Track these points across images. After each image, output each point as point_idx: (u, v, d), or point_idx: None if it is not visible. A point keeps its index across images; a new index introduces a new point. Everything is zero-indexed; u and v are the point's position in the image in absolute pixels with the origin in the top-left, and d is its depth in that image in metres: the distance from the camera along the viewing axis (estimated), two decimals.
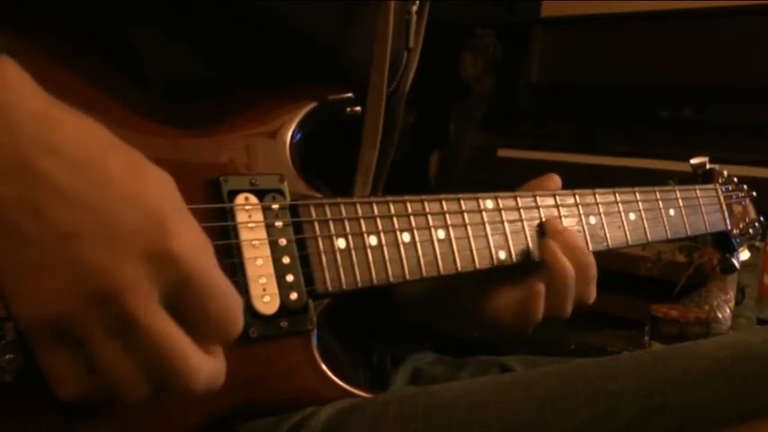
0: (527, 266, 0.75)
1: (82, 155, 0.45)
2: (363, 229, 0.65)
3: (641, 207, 0.86)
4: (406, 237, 0.67)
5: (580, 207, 0.80)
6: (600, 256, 0.80)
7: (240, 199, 0.61)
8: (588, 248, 0.78)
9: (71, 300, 0.44)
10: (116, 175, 0.46)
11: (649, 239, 0.86)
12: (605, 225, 0.81)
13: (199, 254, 0.47)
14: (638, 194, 0.86)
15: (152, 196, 0.46)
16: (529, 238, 0.75)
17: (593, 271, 0.76)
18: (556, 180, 0.81)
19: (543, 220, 0.77)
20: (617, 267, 1.75)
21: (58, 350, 0.46)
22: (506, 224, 0.74)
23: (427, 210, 0.69)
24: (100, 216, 0.44)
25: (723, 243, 1.03)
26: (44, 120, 0.44)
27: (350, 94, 0.71)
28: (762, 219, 1.09)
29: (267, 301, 0.60)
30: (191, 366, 0.47)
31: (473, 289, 0.77)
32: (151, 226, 0.45)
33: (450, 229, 0.70)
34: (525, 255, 0.75)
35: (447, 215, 0.70)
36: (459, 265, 0.70)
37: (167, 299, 0.46)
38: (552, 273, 0.73)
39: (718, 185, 1.01)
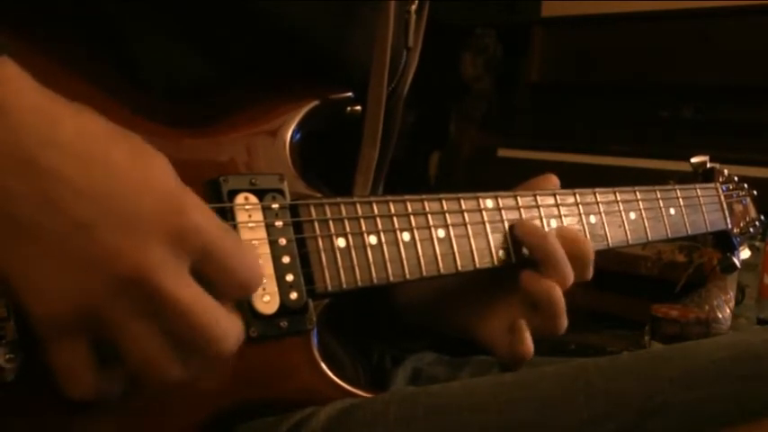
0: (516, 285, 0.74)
1: (84, 148, 0.45)
2: (363, 228, 0.65)
3: (642, 206, 0.86)
4: (406, 236, 0.67)
5: (580, 206, 0.80)
6: (600, 255, 0.80)
7: (240, 199, 0.61)
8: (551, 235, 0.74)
9: (97, 288, 0.44)
10: (120, 164, 0.46)
11: (650, 238, 0.86)
12: (606, 224, 0.81)
13: (214, 221, 0.49)
14: (638, 193, 0.86)
15: (159, 178, 0.47)
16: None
17: (555, 253, 0.72)
18: (554, 180, 0.81)
19: (544, 223, 0.76)
20: (617, 267, 1.75)
21: (71, 346, 0.46)
22: (506, 223, 0.74)
23: (427, 209, 0.69)
24: (113, 203, 0.45)
25: (723, 242, 1.03)
26: (44, 115, 0.45)
27: (350, 94, 0.71)
28: (762, 218, 1.09)
29: (267, 300, 0.60)
30: (223, 329, 0.48)
31: (467, 309, 0.77)
32: (166, 206, 0.46)
33: (451, 228, 0.70)
34: (525, 254, 0.75)
35: (447, 214, 0.70)
36: (459, 264, 0.70)
37: (195, 269, 0.47)
38: (536, 299, 0.72)
39: (718, 184, 1.01)
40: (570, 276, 0.72)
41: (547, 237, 0.73)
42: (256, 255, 0.53)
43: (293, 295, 0.61)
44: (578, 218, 0.79)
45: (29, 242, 0.43)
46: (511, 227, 0.74)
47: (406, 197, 0.68)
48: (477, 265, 0.71)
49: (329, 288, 0.62)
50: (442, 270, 0.69)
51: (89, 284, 0.44)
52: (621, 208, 0.83)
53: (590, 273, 0.75)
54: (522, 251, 0.74)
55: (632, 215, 0.84)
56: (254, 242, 0.60)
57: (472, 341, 0.79)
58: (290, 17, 0.68)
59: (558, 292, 0.71)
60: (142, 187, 0.46)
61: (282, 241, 0.61)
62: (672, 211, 0.90)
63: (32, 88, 0.45)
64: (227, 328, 0.49)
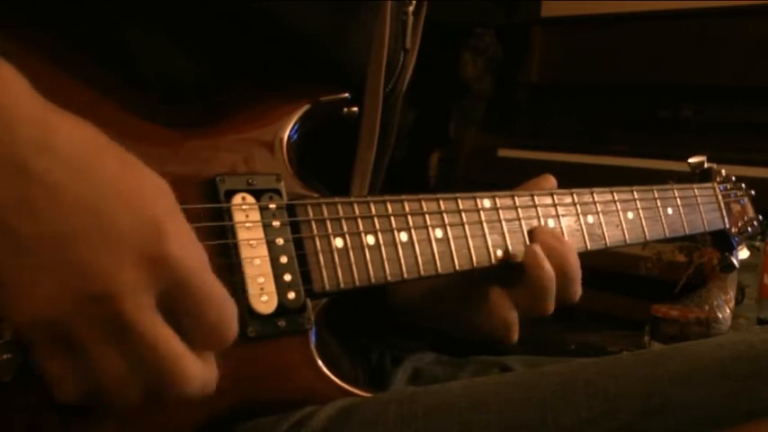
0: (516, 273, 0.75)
1: (78, 157, 0.45)
2: (361, 228, 0.65)
3: (639, 206, 0.86)
4: (403, 236, 0.67)
5: (578, 206, 0.80)
6: (600, 255, 0.80)
7: (237, 199, 0.61)
8: (571, 249, 0.77)
9: (66, 302, 0.44)
10: (112, 178, 0.46)
11: (647, 238, 0.86)
12: (603, 224, 0.81)
13: (194, 258, 0.48)
14: (635, 193, 0.86)
15: (147, 199, 0.47)
16: (526, 237, 0.75)
17: (574, 272, 0.75)
18: (551, 181, 0.81)
19: (542, 223, 0.77)
20: (617, 267, 1.75)
21: (55, 352, 0.46)
22: (504, 223, 0.74)
23: (425, 209, 0.69)
24: (96, 219, 0.45)
25: (722, 242, 1.03)
26: (40, 123, 0.44)
27: (346, 95, 0.71)
28: (761, 217, 1.09)
29: (265, 300, 0.60)
30: (184, 372, 0.47)
31: (463, 300, 0.77)
32: (147, 230, 0.46)
33: (448, 228, 0.70)
34: (523, 253, 0.75)
35: (444, 214, 0.70)
36: (456, 264, 0.70)
37: (162, 303, 0.46)
38: (532, 277, 0.73)
39: (716, 184, 1.01)
40: (549, 309, 0.74)
41: (546, 271, 0.73)
42: (235, 311, 0.50)
43: (291, 295, 0.61)
44: (576, 217, 0.79)
45: (11, 248, 0.43)
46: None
47: (404, 197, 0.68)
48: (475, 265, 0.71)
49: (327, 288, 0.62)
50: (439, 270, 0.69)
51: (60, 297, 0.44)
52: (619, 208, 0.83)
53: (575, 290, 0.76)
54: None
55: (630, 215, 0.84)
56: (251, 242, 0.60)
57: (471, 331, 0.79)
58: (287, 18, 0.68)
59: (551, 276, 0.73)
60: (128, 206, 0.46)
61: (280, 241, 0.61)
62: (669, 210, 0.90)
63: (29, 93, 0.45)
64: (189, 372, 0.47)
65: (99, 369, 0.46)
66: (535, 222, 0.76)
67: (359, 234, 0.65)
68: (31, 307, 0.44)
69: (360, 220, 0.65)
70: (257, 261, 0.60)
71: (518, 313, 0.75)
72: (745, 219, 1.04)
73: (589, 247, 0.80)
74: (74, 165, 0.45)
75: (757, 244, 1.41)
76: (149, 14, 0.64)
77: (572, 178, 0.83)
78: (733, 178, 1.06)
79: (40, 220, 0.43)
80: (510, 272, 0.74)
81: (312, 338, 0.63)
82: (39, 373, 0.47)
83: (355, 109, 0.72)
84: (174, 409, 0.57)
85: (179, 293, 0.47)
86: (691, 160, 1.04)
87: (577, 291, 0.76)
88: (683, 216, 0.92)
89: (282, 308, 0.61)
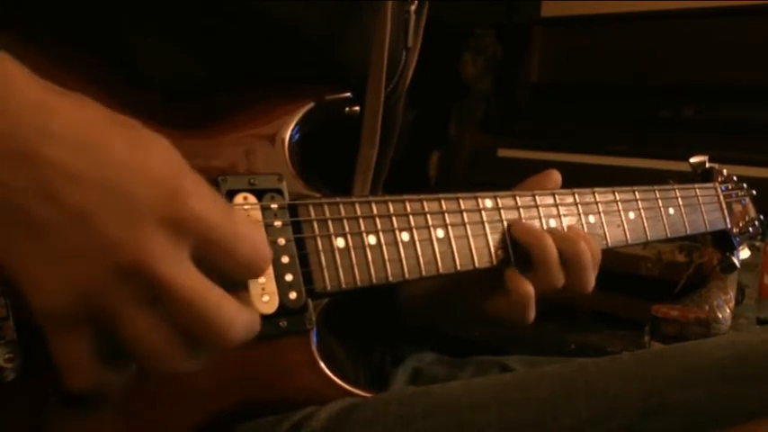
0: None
1: (84, 136, 0.45)
2: (362, 228, 0.65)
3: (641, 206, 0.86)
4: (405, 236, 0.67)
5: (579, 206, 0.80)
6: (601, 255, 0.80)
7: (239, 198, 0.61)
8: (580, 235, 0.76)
9: (98, 278, 0.44)
10: (120, 151, 0.46)
11: (649, 238, 0.86)
12: (605, 224, 0.81)
13: (215, 206, 0.48)
14: (637, 193, 0.86)
15: (158, 164, 0.47)
16: None
17: (586, 257, 0.75)
18: (555, 176, 0.81)
19: (543, 223, 0.77)
20: (617, 267, 1.75)
21: (73, 337, 0.46)
22: (506, 223, 0.74)
23: (426, 209, 0.69)
24: (112, 192, 0.44)
25: (723, 242, 1.03)
26: (42, 107, 0.44)
27: (348, 94, 0.71)
28: (762, 218, 1.09)
29: (266, 300, 0.60)
30: (228, 317, 0.47)
31: (473, 287, 0.77)
32: (164, 192, 0.46)
33: (450, 228, 0.70)
34: (525, 254, 0.75)
35: (446, 214, 0.70)
36: (458, 264, 0.70)
37: (196, 255, 0.46)
38: (531, 251, 0.73)
39: (717, 184, 1.01)
40: (558, 280, 0.74)
41: (543, 237, 0.73)
42: (262, 235, 0.51)
43: (292, 295, 0.61)
44: (577, 217, 0.79)
45: (29, 234, 0.43)
46: (508, 226, 0.74)
47: (405, 197, 0.68)
48: (477, 265, 0.71)
49: (328, 288, 0.62)
50: (441, 270, 0.69)
51: (89, 275, 0.44)
52: (620, 208, 0.83)
53: (586, 277, 0.75)
54: (521, 251, 0.74)
55: (631, 215, 0.84)
56: None
57: (475, 320, 0.79)
58: (288, 17, 0.68)
59: (530, 291, 0.73)
60: (140, 174, 0.45)
61: (281, 241, 0.61)
62: (671, 210, 0.90)
63: (29, 80, 0.45)
64: (234, 316, 0.47)
65: (140, 338, 0.46)
66: (537, 223, 0.76)
67: (360, 234, 0.65)
68: (59, 290, 0.44)
69: (361, 220, 0.65)
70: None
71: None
72: (747, 219, 1.05)
73: None
74: (80, 145, 0.44)
75: (757, 244, 1.41)
76: (150, 14, 0.64)
77: (572, 178, 0.83)
78: (734, 178, 1.06)
79: (58, 203, 0.43)
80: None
81: (313, 339, 0.63)
82: (56, 363, 0.46)
83: (356, 109, 0.72)
84: (175, 407, 0.57)
85: (209, 243, 0.47)
86: (692, 160, 1.04)
87: (589, 278, 0.75)
88: (684, 216, 0.92)
89: (284, 308, 0.61)
